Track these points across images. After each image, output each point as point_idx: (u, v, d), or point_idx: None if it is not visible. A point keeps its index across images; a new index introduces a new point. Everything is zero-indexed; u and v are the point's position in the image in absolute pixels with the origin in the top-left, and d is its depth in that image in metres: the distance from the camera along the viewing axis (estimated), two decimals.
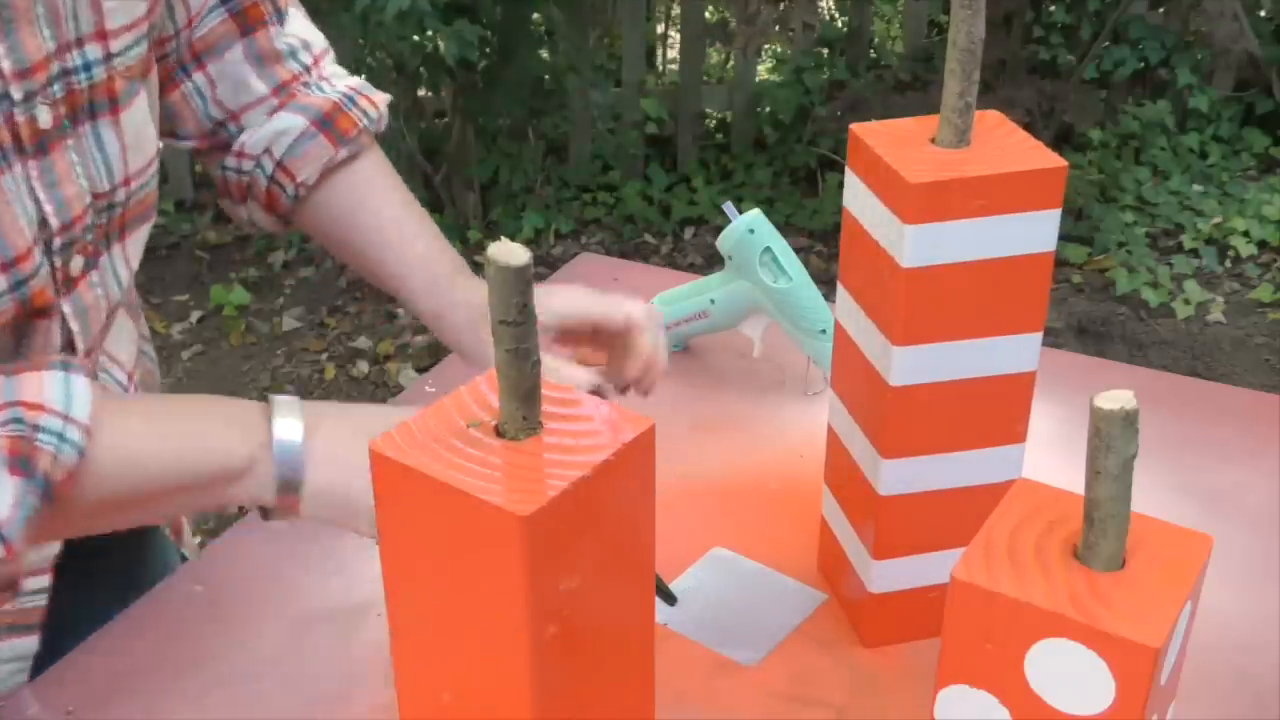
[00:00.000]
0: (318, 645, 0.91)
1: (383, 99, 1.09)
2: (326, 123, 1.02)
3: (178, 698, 0.87)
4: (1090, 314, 3.15)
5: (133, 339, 1.04)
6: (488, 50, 3.14)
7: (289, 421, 0.81)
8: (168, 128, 1.02)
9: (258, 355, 3.06)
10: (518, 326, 0.61)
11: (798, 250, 1.15)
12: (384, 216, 1.04)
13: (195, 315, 3.20)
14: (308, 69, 1.05)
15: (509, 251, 0.59)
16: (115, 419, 0.78)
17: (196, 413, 0.85)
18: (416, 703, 0.72)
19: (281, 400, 0.83)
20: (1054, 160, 0.79)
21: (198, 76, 1.01)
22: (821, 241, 3.38)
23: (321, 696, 0.87)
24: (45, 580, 0.92)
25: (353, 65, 3.20)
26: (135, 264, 0.98)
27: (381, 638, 0.72)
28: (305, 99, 1.03)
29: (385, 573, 0.68)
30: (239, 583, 0.97)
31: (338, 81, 1.07)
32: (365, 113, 1.05)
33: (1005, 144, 0.80)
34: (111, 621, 0.95)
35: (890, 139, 0.81)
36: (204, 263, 3.39)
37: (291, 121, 1.02)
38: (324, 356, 3.06)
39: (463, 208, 3.41)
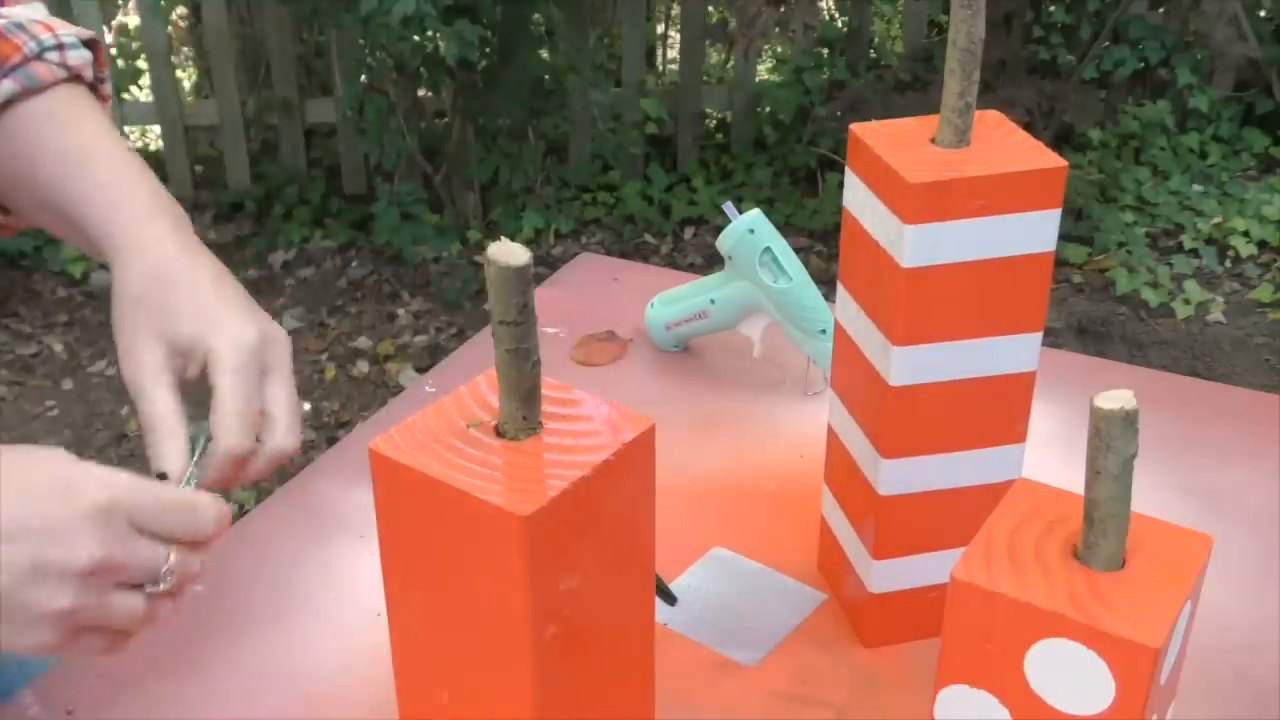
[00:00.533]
0: (317, 645, 0.91)
1: (71, 29, 0.87)
2: None
3: (178, 698, 0.87)
4: (1090, 314, 3.15)
5: None
6: (488, 50, 3.14)
7: None
8: None
9: None
10: (518, 326, 0.61)
11: (797, 250, 1.15)
12: (75, 146, 0.83)
13: None
14: None
15: (509, 252, 0.59)
16: None
17: None
18: (416, 702, 0.72)
19: None
20: (1054, 160, 0.79)
21: None
22: (821, 241, 3.37)
23: (321, 696, 0.87)
24: None
25: (354, 65, 3.20)
26: None
27: (381, 638, 0.72)
28: None
29: (385, 573, 0.68)
30: (239, 583, 0.97)
31: (9, 15, 0.86)
32: (36, 38, 0.84)
33: (1005, 144, 0.80)
34: None
35: (890, 139, 0.81)
36: None
37: None
38: (324, 357, 3.06)
39: (463, 208, 3.41)
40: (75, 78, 0.87)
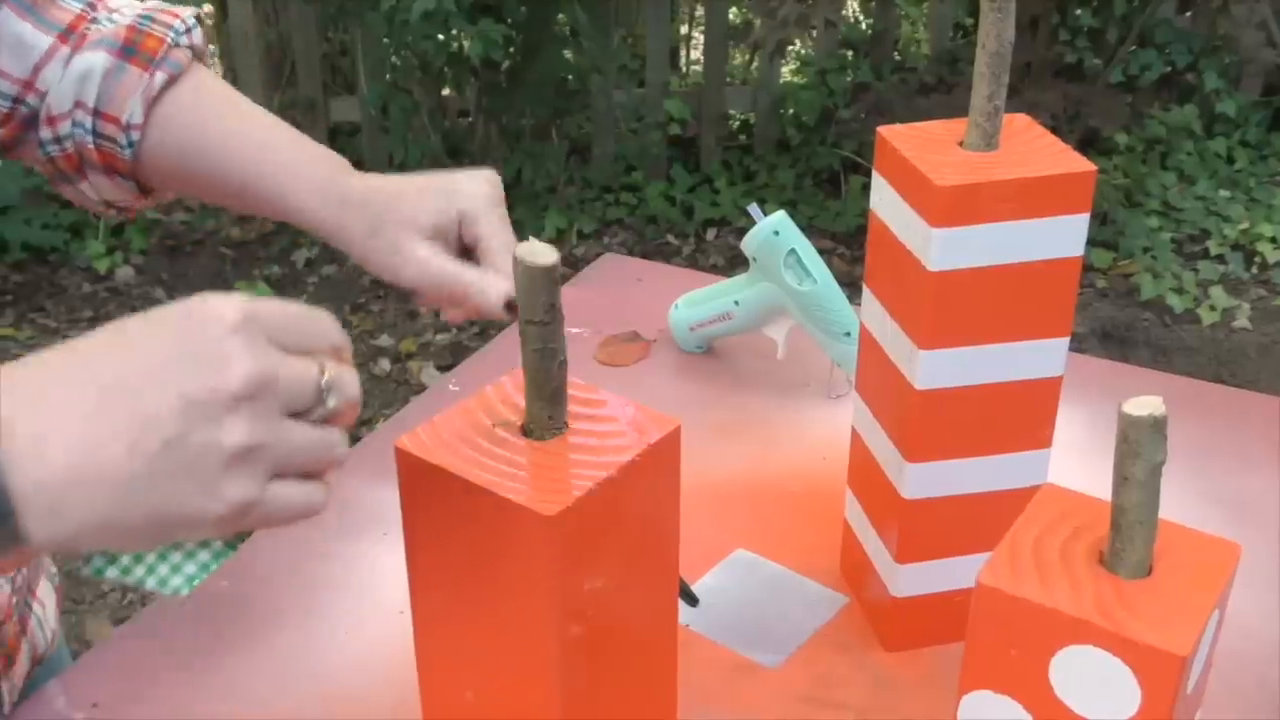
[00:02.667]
0: (340, 643, 0.92)
1: (187, 11, 0.94)
2: (129, 49, 0.89)
3: (202, 693, 0.88)
4: (1114, 319, 3.14)
5: None
6: (512, 50, 3.15)
7: None
8: None
9: None
10: (544, 326, 0.61)
11: (820, 252, 1.15)
12: (235, 127, 0.91)
13: None
14: (91, 5, 0.91)
15: (536, 251, 0.59)
16: None
17: None
18: (440, 701, 0.72)
19: None
20: (1083, 164, 0.79)
21: None
22: (844, 244, 3.37)
23: (343, 694, 0.87)
24: None
25: (378, 64, 3.22)
26: None
27: (405, 636, 0.72)
28: (98, 34, 0.90)
29: (410, 571, 0.69)
30: (263, 579, 0.98)
31: (127, 10, 0.92)
32: (170, 27, 0.91)
33: (1034, 147, 0.80)
34: (136, 616, 0.96)
35: (918, 142, 0.81)
36: (227, 260, 3.41)
37: (91, 61, 0.89)
38: None
39: None
40: (198, 57, 0.94)
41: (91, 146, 0.90)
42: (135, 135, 0.90)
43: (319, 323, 0.58)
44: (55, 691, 0.87)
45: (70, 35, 0.89)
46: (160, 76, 0.90)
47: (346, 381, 0.57)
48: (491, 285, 0.83)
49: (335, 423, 0.57)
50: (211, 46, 1.02)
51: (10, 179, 3.24)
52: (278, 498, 0.55)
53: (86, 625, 2.30)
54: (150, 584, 0.63)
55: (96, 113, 0.89)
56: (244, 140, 0.90)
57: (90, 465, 0.51)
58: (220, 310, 0.54)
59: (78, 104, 0.89)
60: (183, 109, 0.91)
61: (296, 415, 0.55)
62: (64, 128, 0.90)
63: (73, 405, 0.52)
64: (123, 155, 0.90)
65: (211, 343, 0.53)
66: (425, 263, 0.85)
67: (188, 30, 0.92)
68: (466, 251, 0.87)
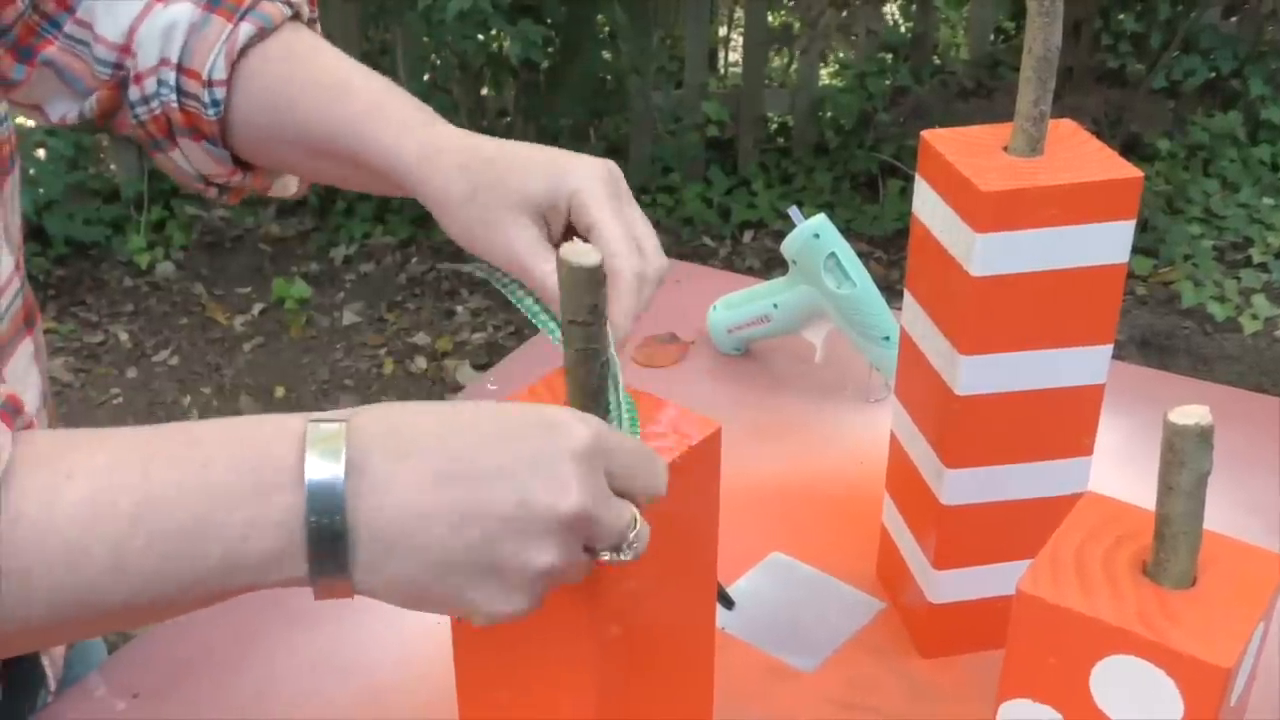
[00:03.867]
0: (377, 640, 0.92)
1: None
2: (217, 1, 0.83)
3: (239, 685, 0.88)
4: (1154, 327, 3.11)
5: (38, 385, 0.85)
6: (551, 51, 3.15)
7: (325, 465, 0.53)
8: (52, 102, 0.85)
9: (317, 349, 3.09)
10: (587, 327, 0.61)
11: (858, 256, 1.14)
12: (323, 72, 0.83)
13: (257, 308, 3.24)
14: None
15: (581, 252, 0.59)
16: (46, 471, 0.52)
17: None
18: (476, 699, 0.72)
19: (322, 430, 0.54)
20: (1129, 170, 0.78)
21: (68, 24, 0.84)
22: (881, 248, 3.36)
23: (380, 692, 0.88)
24: None
25: (417, 63, 3.23)
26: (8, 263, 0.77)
27: (441, 635, 0.73)
28: None
29: None
30: None
31: None
32: None
33: (1079, 153, 0.80)
34: None
35: (962, 146, 0.80)
36: (266, 256, 3.43)
37: (177, 13, 0.83)
38: (383, 351, 3.08)
39: None
40: (296, 16, 0.87)
41: (176, 106, 0.83)
42: (219, 93, 0.83)
43: (653, 469, 0.59)
44: (96, 682, 0.88)
45: None
46: (247, 29, 0.82)
47: (644, 538, 0.58)
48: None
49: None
50: (315, 7, 0.93)
51: (54, 174, 3.28)
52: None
53: None
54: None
55: (180, 68, 0.83)
56: (332, 82, 0.82)
57: (417, 531, 0.53)
58: (579, 434, 0.55)
59: (163, 60, 0.83)
60: (270, 62, 0.83)
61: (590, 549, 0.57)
62: (150, 85, 0.83)
63: (423, 469, 0.53)
64: (207, 115, 0.83)
65: (561, 463, 0.54)
66: (511, 243, 0.73)
67: None
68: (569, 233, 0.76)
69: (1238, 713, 0.61)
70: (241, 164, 0.88)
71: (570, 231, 0.75)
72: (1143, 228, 3.29)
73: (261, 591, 0.95)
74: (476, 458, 0.54)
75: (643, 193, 3.56)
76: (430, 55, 3.19)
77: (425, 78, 3.23)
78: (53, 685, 0.88)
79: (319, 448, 0.53)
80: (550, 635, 0.65)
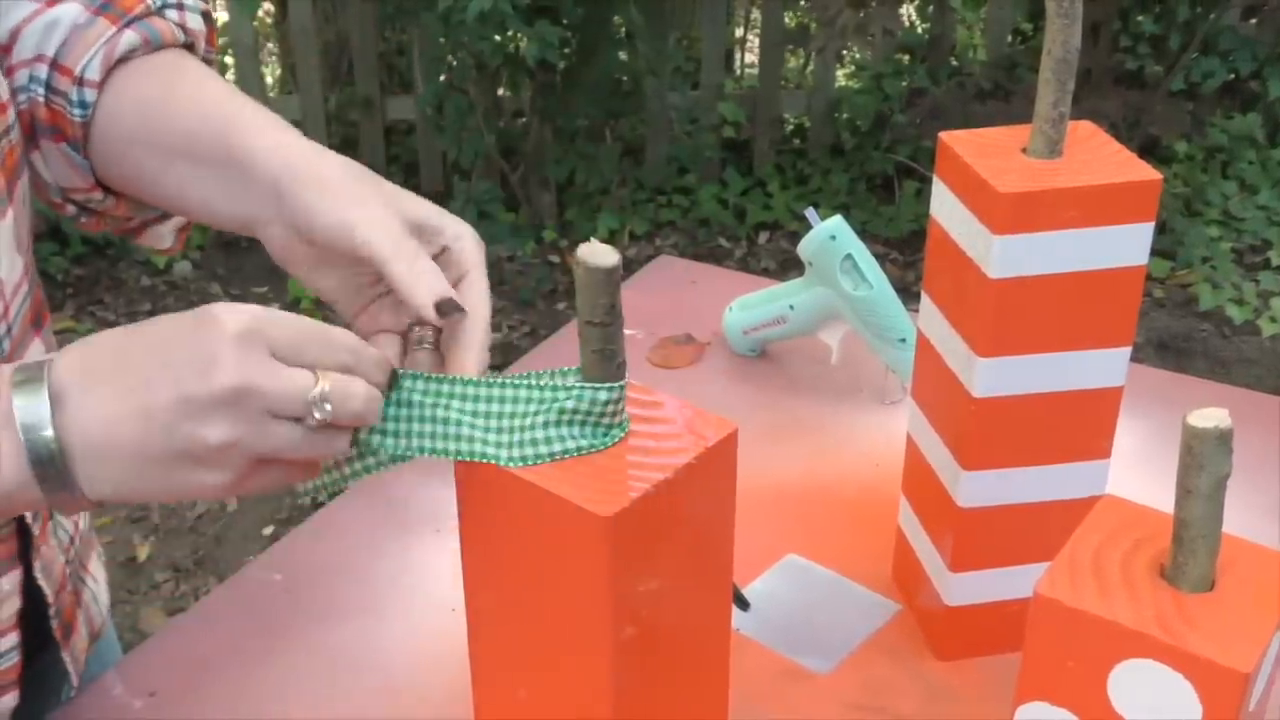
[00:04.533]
0: (393, 638, 0.92)
1: None
2: (106, 6, 0.81)
3: (255, 684, 0.89)
4: (1172, 330, 3.10)
5: None
6: (567, 51, 3.16)
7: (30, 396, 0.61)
8: None
9: None
10: (605, 328, 0.61)
11: (874, 257, 1.14)
12: (199, 88, 0.80)
13: (274, 307, 3.25)
14: None
15: (598, 253, 0.59)
16: None
17: None
18: (492, 698, 0.72)
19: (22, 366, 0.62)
20: (1148, 173, 0.78)
21: None
22: (898, 249, 3.35)
23: (396, 689, 0.88)
24: (13, 639, 0.82)
25: (434, 63, 3.24)
26: (4, 271, 0.78)
27: (458, 633, 0.73)
28: None
29: (465, 569, 0.69)
30: (315, 573, 0.99)
31: None
32: None
33: (1098, 155, 0.79)
34: (193, 608, 0.97)
35: (980, 148, 0.80)
36: None
37: (62, 12, 0.80)
38: None
39: (539, 207, 3.43)
40: (189, 46, 0.85)
41: (42, 102, 0.81)
42: (89, 94, 0.80)
43: (329, 339, 0.63)
44: (113, 680, 0.89)
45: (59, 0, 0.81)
46: (130, 36, 0.80)
47: (349, 394, 0.62)
48: (424, 276, 0.68)
49: (337, 426, 0.63)
50: (215, 49, 0.91)
51: None
52: (258, 481, 0.63)
53: (141, 615, 2.33)
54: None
55: (54, 64, 0.80)
56: (210, 90, 0.79)
57: (113, 441, 0.61)
58: (224, 319, 0.61)
59: (38, 56, 0.80)
60: (148, 73, 0.81)
61: (295, 420, 0.62)
62: (20, 78, 0.81)
63: (110, 388, 0.61)
64: (72, 115, 0.80)
65: (207, 348, 0.60)
66: (375, 224, 0.70)
67: (179, 6, 0.84)
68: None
69: (1257, 717, 0.60)
70: (102, 185, 0.85)
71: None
72: (1161, 230, 3.28)
73: (278, 592, 0.96)
74: (145, 363, 0.61)
75: (658, 193, 3.57)
76: (447, 56, 3.20)
77: (442, 78, 3.24)
78: (75, 681, 0.88)
79: (24, 390, 0.61)
80: (565, 635, 0.65)
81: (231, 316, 0.61)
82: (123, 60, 0.81)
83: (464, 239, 0.73)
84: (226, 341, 0.60)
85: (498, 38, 2.97)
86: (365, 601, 0.96)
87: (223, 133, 0.77)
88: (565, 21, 3.06)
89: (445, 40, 3.07)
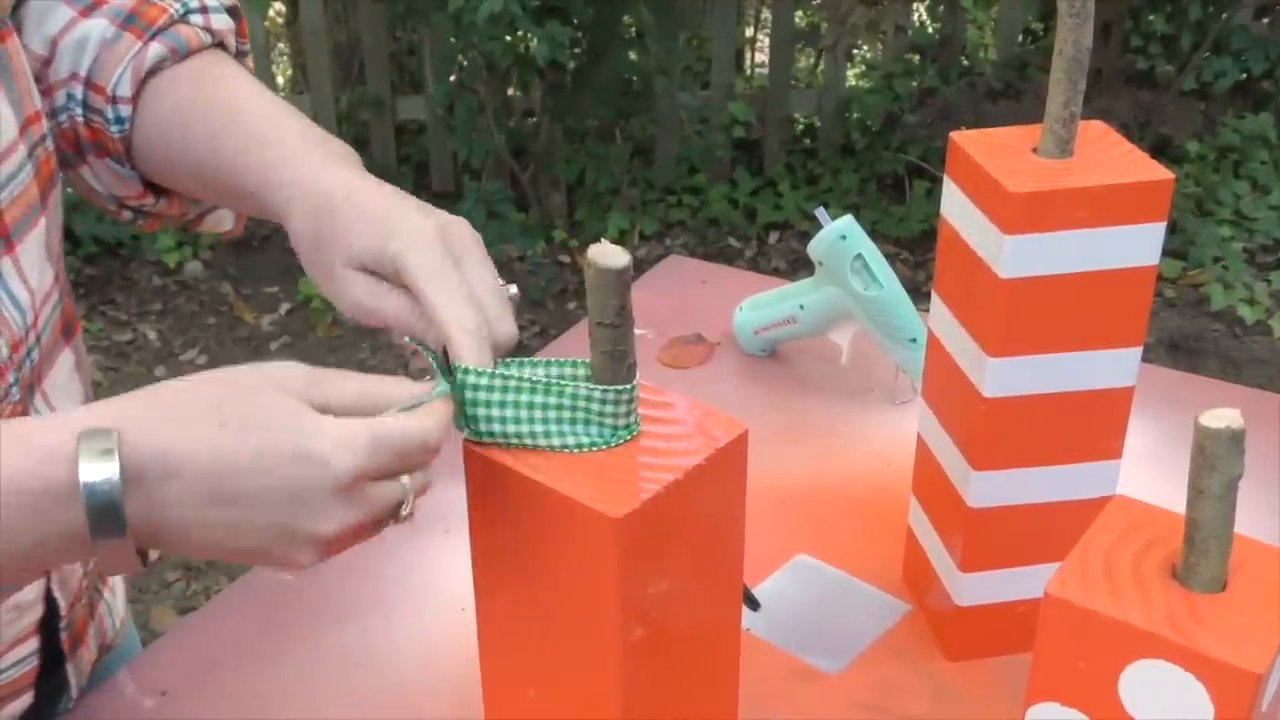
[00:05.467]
0: (403, 637, 0.93)
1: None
2: (131, 18, 0.82)
3: (266, 683, 0.89)
4: (1183, 330, 3.09)
5: (80, 396, 0.87)
6: (578, 51, 3.16)
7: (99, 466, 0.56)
8: None
9: (344, 348, 3.11)
10: (615, 329, 0.61)
11: (884, 257, 1.14)
12: (223, 103, 0.81)
13: (284, 307, 3.25)
14: None
15: (609, 254, 0.59)
16: None
17: None
18: (501, 698, 0.72)
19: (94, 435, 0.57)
20: (1160, 172, 0.78)
21: None
22: (908, 249, 3.35)
23: (405, 688, 0.88)
24: (33, 644, 0.82)
25: (445, 63, 3.24)
26: (35, 279, 0.78)
27: (466, 632, 0.73)
28: (111, 2, 0.83)
29: (475, 569, 0.69)
30: (325, 572, 0.98)
31: None
32: (181, 1, 0.84)
33: (1110, 155, 0.79)
34: (204, 607, 0.97)
35: (991, 148, 0.80)
36: (294, 255, 3.43)
37: (91, 27, 0.81)
38: (408, 352, 3.09)
39: (549, 207, 3.43)
40: (219, 44, 0.86)
41: (82, 121, 0.83)
42: (124, 110, 0.81)
43: (412, 444, 0.61)
44: (124, 679, 0.89)
45: (93, 10, 0.82)
46: (157, 49, 0.81)
47: (427, 486, 0.63)
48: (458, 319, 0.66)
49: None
50: (246, 40, 0.90)
51: None
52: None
53: (152, 615, 2.34)
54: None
55: (88, 82, 0.82)
56: (225, 110, 0.79)
57: (193, 537, 0.59)
58: (330, 463, 0.58)
59: (72, 74, 0.82)
60: (178, 85, 0.82)
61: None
62: (59, 98, 0.82)
63: (192, 488, 0.58)
64: (110, 132, 0.82)
65: (319, 493, 0.59)
66: (348, 293, 0.71)
67: (203, 10, 0.85)
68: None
69: (1269, 718, 0.60)
70: (155, 188, 0.86)
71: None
72: (1172, 230, 3.27)
73: (289, 591, 0.96)
74: (244, 485, 0.58)
75: (668, 193, 3.56)
76: (457, 56, 3.20)
77: (452, 78, 3.24)
78: (74, 694, 0.88)
79: (93, 460, 0.56)
80: (575, 635, 0.65)
81: (335, 464, 0.59)
82: (153, 72, 0.82)
83: (402, 255, 0.69)
84: (329, 494, 0.59)
85: (508, 38, 2.98)
86: (375, 601, 0.96)
87: (235, 175, 0.77)
88: (575, 21, 3.06)
89: (456, 40, 3.07)
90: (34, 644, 0.82)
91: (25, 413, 0.77)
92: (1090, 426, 0.83)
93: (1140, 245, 0.78)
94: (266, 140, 0.77)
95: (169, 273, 3.35)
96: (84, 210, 3.31)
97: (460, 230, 0.70)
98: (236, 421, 0.58)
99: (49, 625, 0.84)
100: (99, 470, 0.56)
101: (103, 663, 0.93)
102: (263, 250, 3.46)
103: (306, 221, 0.73)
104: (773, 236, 3.48)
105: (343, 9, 3.60)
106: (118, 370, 3.00)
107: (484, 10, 2.71)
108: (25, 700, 0.83)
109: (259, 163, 0.76)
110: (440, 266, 0.67)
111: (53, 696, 0.87)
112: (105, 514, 0.56)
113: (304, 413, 0.60)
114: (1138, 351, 0.82)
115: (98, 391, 0.84)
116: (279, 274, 3.36)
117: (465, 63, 3.20)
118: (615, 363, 0.62)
